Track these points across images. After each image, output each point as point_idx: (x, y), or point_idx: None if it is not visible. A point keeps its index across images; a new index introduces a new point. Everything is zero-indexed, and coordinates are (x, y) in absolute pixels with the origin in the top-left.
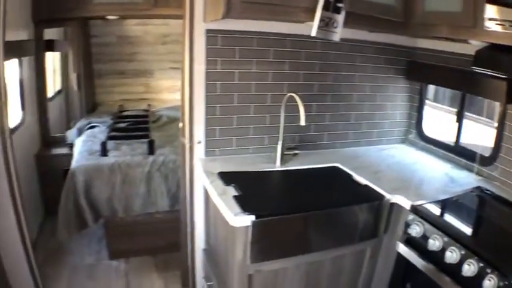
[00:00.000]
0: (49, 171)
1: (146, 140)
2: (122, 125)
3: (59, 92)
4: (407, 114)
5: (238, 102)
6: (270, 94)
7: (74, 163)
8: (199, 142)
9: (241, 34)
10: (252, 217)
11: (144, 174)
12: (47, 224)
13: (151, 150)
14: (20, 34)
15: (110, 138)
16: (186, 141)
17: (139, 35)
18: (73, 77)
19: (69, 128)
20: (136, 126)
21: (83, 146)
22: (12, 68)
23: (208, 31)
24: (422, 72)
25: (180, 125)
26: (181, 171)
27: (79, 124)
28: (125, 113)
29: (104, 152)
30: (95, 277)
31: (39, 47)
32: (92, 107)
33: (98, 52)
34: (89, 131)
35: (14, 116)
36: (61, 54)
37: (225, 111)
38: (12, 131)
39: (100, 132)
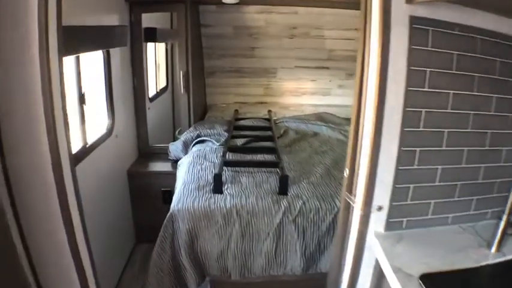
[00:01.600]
0: (144, 190)
1: (275, 168)
2: (240, 141)
3: (164, 89)
4: None
5: (447, 144)
6: (490, 132)
7: (175, 203)
8: (380, 208)
9: (461, 30)
10: None
11: (272, 226)
12: (137, 253)
13: (283, 189)
14: (107, 18)
15: (226, 163)
16: (357, 203)
17: (261, 25)
18: (179, 75)
19: (173, 137)
20: (258, 146)
21: (188, 174)
22: (97, 62)
23: (414, 20)
24: None
25: (345, 173)
26: (336, 239)
27: (185, 136)
28: (242, 122)
29: (218, 188)
30: None
31: (136, 36)
32: (202, 113)
33: (210, 45)
34: (198, 148)
35: (98, 124)
36: (166, 46)
37: (426, 158)
38: (95, 144)
39: (212, 151)
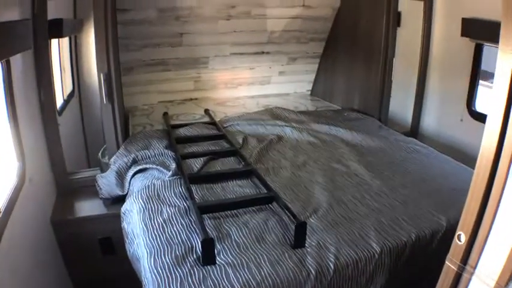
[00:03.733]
0: (76, 242)
1: (268, 204)
2: (195, 163)
3: (71, 94)
4: None
5: None
6: None
7: None
8: None
9: None
10: None
11: None
12: None
13: (301, 242)
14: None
15: (202, 209)
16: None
17: (192, 5)
18: (98, 78)
19: (88, 160)
20: (227, 171)
21: (149, 236)
22: None
23: None
24: None
25: (458, 239)
26: None
27: (117, 163)
28: (183, 132)
29: (210, 258)
30: None
31: (40, 33)
32: (123, 122)
33: (127, 35)
34: (141, 181)
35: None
36: (70, 41)
37: None
38: (9, 206)
39: (165, 187)
